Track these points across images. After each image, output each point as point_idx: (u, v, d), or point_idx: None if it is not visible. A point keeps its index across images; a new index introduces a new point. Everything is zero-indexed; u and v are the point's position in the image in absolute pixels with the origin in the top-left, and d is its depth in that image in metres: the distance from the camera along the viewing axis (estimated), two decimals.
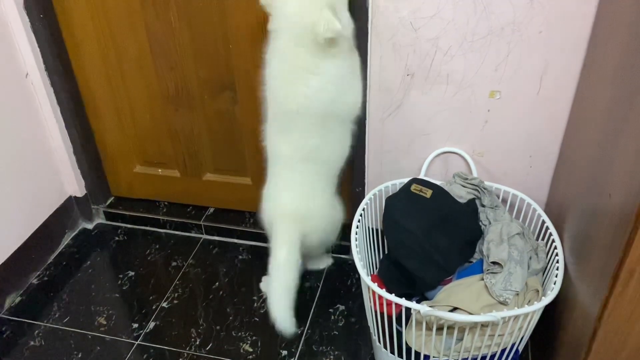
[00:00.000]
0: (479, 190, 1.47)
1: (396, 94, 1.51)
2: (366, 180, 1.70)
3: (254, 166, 1.88)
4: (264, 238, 1.68)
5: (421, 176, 1.56)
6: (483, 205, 1.46)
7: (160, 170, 2.03)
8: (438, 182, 1.54)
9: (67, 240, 2.00)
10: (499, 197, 1.52)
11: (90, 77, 1.83)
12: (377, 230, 1.59)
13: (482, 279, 1.31)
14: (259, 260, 1.89)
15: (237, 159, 1.91)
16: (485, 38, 1.36)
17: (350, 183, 1.71)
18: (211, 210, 2.03)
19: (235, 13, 1.59)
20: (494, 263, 1.29)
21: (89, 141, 1.95)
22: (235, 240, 1.98)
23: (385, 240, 1.58)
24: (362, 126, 1.58)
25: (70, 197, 1.99)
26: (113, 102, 1.88)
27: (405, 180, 1.52)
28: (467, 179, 1.49)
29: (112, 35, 1.74)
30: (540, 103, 1.42)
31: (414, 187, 1.41)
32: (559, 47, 1.33)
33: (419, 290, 1.39)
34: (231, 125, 1.84)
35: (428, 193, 1.40)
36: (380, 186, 1.56)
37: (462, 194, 1.46)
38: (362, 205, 1.49)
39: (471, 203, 1.45)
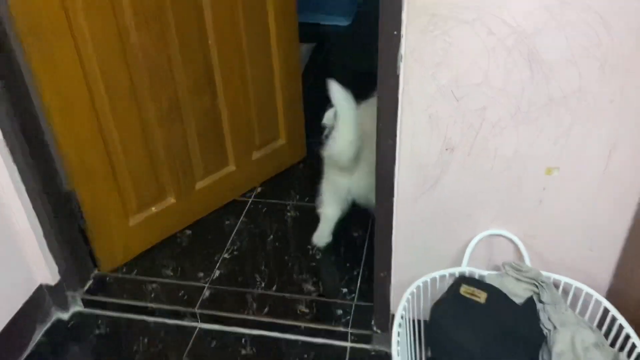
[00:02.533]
0: (537, 284, 1.23)
1: (432, 170, 1.26)
2: (393, 265, 1.45)
3: (235, 152, 1.95)
4: (270, 326, 1.67)
5: (464, 265, 1.31)
6: (541, 301, 1.22)
7: (154, 208, 1.85)
8: (485, 273, 1.30)
9: (38, 336, 1.70)
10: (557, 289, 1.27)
11: (70, 134, 1.56)
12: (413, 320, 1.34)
13: None
14: (266, 354, 1.62)
15: (221, 152, 1.93)
16: (544, 108, 1.13)
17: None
18: (207, 293, 1.75)
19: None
20: None
21: (64, 213, 1.66)
22: (237, 329, 1.70)
23: (430, 352, 1.32)
24: (388, 205, 1.34)
25: (40, 285, 1.69)
26: (102, 149, 1.64)
27: (448, 271, 1.28)
28: (521, 270, 1.24)
29: (102, 73, 1.55)
30: (607, 182, 1.19)
31: (464, 290, 1.17)
32: (633, 119, 1.10)
33: None
34: (216, 121, 1.84)
35: (482, 297, 1.15)
36: (425, 277, 1.30)
37: (517, 291, 1.22)
38: (406, 296, 1.25)
39: (530, 303, 1.20)
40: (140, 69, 1.61)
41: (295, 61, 1.97)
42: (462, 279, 1.21)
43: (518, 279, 1.25)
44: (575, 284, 1.26)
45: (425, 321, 1.30)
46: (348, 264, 1.82)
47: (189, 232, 1.98)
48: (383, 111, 1.21)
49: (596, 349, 1.11)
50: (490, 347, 1.09)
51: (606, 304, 1.21)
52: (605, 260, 1.30)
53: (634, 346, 1.12)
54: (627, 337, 1.14)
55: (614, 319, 1.18)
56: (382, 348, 1.60)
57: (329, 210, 1.82)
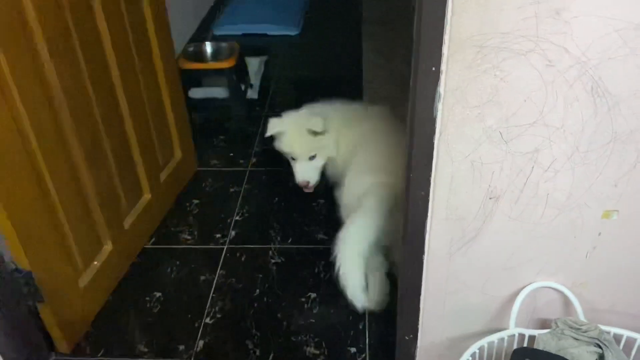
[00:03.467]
0: (600, 344, 1.07)
1: (472, 223, 1.07)
2: (420, 327, 1.25)
3: (148, 177, 1.86)
4: None
5: (512, 327, 1.14)
6: None
7: (96, 262, 1.65)
8: (535, 333, 1.13)
9: None
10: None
11: (9, 196, 1.27)
12: None
13: None
14: None
15: (136, 181, 1.83)
16: (606, 147, 0.97)
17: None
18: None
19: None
20: None
21: (9, 297, 1.35)
22: None
23: None
24: (417, 264, 1.14)
25: None
26: (41, 205, 1.39)
27: (497, 336, 1.10)
28: (580, 329, 1.08)
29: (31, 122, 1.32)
30: None
31: None
32: None
33: None
34: (127, 149, 1.76)
35: None
36: (473, 348, 1.11)
37: (580, 354, 1.05)
38: None
39: None
40: (62, 110, 1.43)
41: (178, 85, 2.06)
42: (525, 353, 1.03)
43: (576, 339, 1.08)
44: (634, 335, 1.11)
45: None
46: (350, 317, 1.61)
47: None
48: (416, 159, 1.01)
49: None
50: None
51: None
52: None
53: None
54: None
55: None
56: None
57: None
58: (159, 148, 1.95)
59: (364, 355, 1.50)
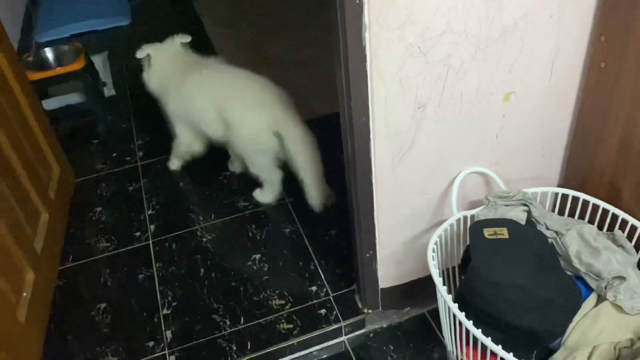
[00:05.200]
0: (526, 203, 1.30)
1: (407, 134, 1.23)
2: (377, 242, 1.40)
3: (40, 197, 1.77)
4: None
5: (455, 212, 1.33)
6: (533, 216, 1.31)
7: (24, 293, 1.54)
8: (474, 212, 1.33)
9: None
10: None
11: None
12: None
13: (597, 300, 1.17)
14: None
15: (32, 204, 1.72)
16: (499, 40, 1.16)
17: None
18: None
19: None
20: (616, 278, 1.15)
21: None
22: None
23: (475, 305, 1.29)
24: (367, 185, 1.28)
25: None
26: None
27: (449, 222, 1.28)
28: (508, 196, 1.31)
29: None
30: (551, 90, 1.30)
31: (487, 233, 1.18)
32: (568, 27, 1.21)
33: (543, 345, 1.18)
34: (15, 177, 1.66)
35: (505, 232, 1.18)
36: (439, 230, 1.27)
37: (519, 216, 1.28)
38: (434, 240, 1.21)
39: (530, 222, 1.28)
40: None
41: (34, 97, 1.94)
42: (480, 224, 1.22)
43: (507, 205, 1.31)
44: (552, 189, 1.37)
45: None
46: (300, 262, 1.71)
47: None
48: (353, 89, 1.13)
49: (599, 235, 1.24)
50: (534, 274, 1.14)
51: (576, 194, 1.34)
52: (555, 160, 1.44)
53: (614, 217, 1.27)
54: (605, 211, 1.29)
55: (585, 204, 1.33)
56: (378, 325, 1.57)
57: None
58: (39, 166, 1.83)
59: (325, 289, 1.62)
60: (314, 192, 1.76)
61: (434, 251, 1.25)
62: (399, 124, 1.20)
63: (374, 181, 1.28)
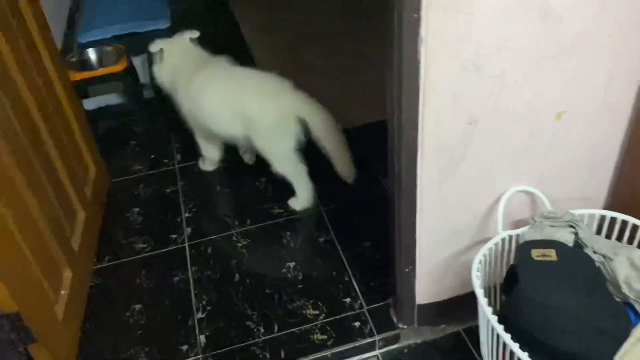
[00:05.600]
0: (574, 225, 1.28)
1: (456, 149, 1.21)
2: (417, 257, 1.38)
3: (77, 195, 1.79)
4: None
5: (499, 229, 1.31)
6: (580, 239, 1.28)
7: (62, 291, 1.55)
8: (519, 232, 1.31)
9: None
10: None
11: None
12: None
13: None
14: None
15: (68, 203, 1.73)
16: (554, 58, 1.15)
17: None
18: None
19: None
20: None
21: None
22: None
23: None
24: (411, 200, 1.27)
25: None
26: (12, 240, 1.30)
27: (494, 241, 1.26)
28: (555, 217, 1.28)
29: None
30: (604, 110, 1.27)
31: (535, 254, 1.16)
32: (626, 47, 1.18)
33: None
34: (56, 174, 1.67)
35: (552, 254, 1.16)
36: (479, 255, 1.25)
37: (565, 237, 1.25)
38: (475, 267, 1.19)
39: (578, 244, 1.25)
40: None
41: (75, 97, 1.95)
42: (528, 244, 1.20)
43: (554, 226, 1.28)
44: (592, 211, 1.34)
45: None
46: (334, 273, 1.70)
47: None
48: (405, 102, 1.12)
49: None
50: (582, 298, 1.11)
51: (625, 217, 1.31)
52: (603, 181, 1.41)
53: None
54: None
55: (634, 228, 1.29)
56: (413, 340, 1.55)
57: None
58: (77, 165, 1.86)
59: (359, 301, 1.61)
60: (345, 167, 1.86)
61: (477, 270, 1.23)
62: (448, 138, 1.19)
63: (418, 196, 1.27)
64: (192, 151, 2.25)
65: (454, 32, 1.05)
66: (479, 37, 1.07)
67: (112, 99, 2.54)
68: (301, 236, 1.84)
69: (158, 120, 2.48)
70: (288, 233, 1.85)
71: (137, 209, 2.01)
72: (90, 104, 2.49)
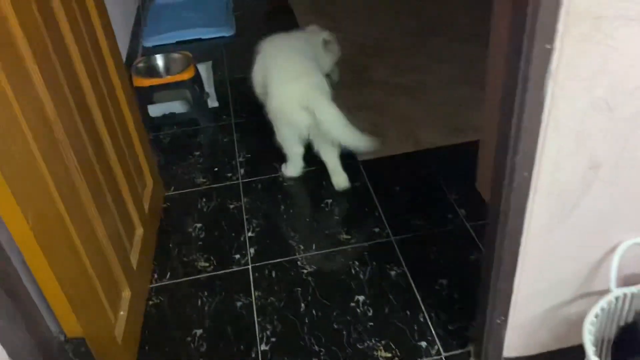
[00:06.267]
0: None
1: (572, 194, 1.08)
2: (512, 306, 1.25)
3: (137, 211, 1.71)
4: None
5: (612, 285, 1.16)
6: None
7: (122, 312, 1.50)
8: (634, 289, 1.16)
9: None
10: None
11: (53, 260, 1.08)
12: None
13: None
14: None
15: (128, 217, 1.57)
16: None
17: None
18: None
19: None
20: None
21: None
22: None
23: None
24: (514, 246, 1.13)
25: None
26: (76, 263, 1.20)
27: (613, 295, 1.12)
28: None
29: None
30: None
31: None
32: None
33: None
34: (117, 187, 1.54)
35: None
36: (591, 314, 1.11)
37: None
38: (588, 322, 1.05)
39: None
40: (68, 153, 1.27)
41: (136, 107, 1.91)
42: None
43: None
44: None
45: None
46: (408, 312, 1.58)
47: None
48: (523, 140, 0.99)
49: None
50: None
51: None
52: None
53: None
54: None
55: None
56: None
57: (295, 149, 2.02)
58: (137, 177, 1.80)
59: (436, 346, 1.48)
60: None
61: (591, 325, 1.09)
62: (565, 182, 1.06)
63: (523, 242, 1.14)
64: (256, 166, 2.18)
65: (589, 66, 0.92)
66: (617, 73, 0.94)
67: (177, 106, 2.49)
68: (370, 267, 1.73)
69: (222, 131, 2.42)
70: (356, 263, 1.74)
71: (199, 224, 1.94)
72: (155, 110, 2.45)
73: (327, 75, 2.42)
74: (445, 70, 2.67)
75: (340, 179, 2.02)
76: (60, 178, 1.19)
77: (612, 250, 1.18)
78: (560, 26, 0.87)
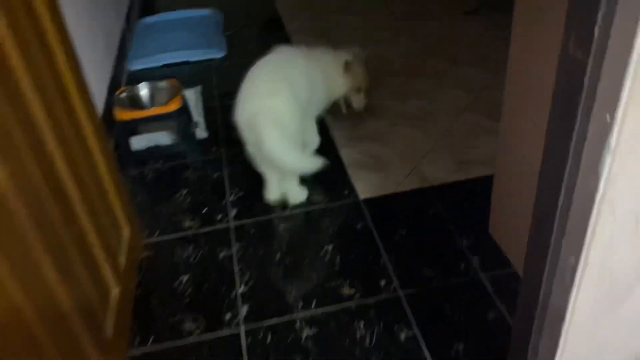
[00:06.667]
0: None
1: (624, 282, 0.91)
2: None
3: (111, 269, 1.45)
4: None
5: None
6: None
7: None
8: None
9: None
10: None
11: None
12: None
13: None
14: None
15: (100, 279, 1.37)
16: None
17: None
18: None
19: None
20: None
21: None
22: None
23: None
24: (553, 340, 0.96)
25: None
26: None
27: None
28: None
29: None
30: None
31: None
32: None
33: None
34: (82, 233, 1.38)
35: None
36: None
37: None
38: None
39: None
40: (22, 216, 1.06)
41: (109, 146, 1.71)
42: None
43: None
44: None
45: None
46: None
47: None
48: (571, 224, 0.82)
49: None
50: None
51: None
52: None
53: None
54: None
55: None
56: None
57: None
58: (110, 229, 1.60)
59: None
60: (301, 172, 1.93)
61: None
62: (618, 270, 0.89)
63: (563, 333, 0.96)
64: (249, 206, 2.00)
65: None
66: None
67: (162, 138, 2.31)
68: (377, 329, 1.55)
69: (212, 165, 2.24)
70: (362, 323, 1.56)
71: (185, 277, 1.75)
72: (138, 142, 2.27)
73: (348, 105, 2.30)
74: (450, 96, 2.50)
75: (295, 197, 1.98)
76: (11, 245, 1.00)
77: None
78: (625, 93, 0.70)
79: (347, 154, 2.20)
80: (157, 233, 1.93)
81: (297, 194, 1.98)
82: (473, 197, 1.95)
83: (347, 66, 2.09)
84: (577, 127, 0.74)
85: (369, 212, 1.93)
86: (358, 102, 2.26)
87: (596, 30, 0.66)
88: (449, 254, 1.75)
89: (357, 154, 2.21)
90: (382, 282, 1.67)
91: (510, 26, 1.40)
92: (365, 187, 2.03)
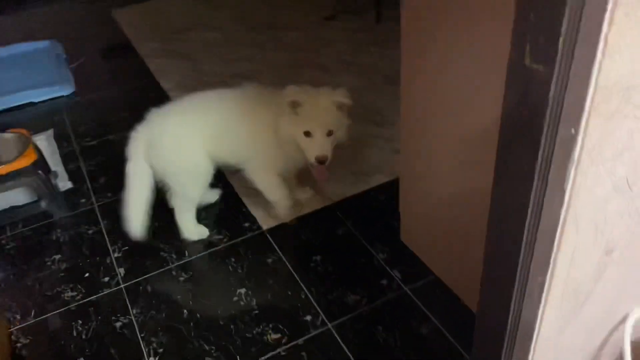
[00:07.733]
0: None
1: (585, 287, 0.88)
2: None
3: None
4: None
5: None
6: None
7: None
8: None
9: None
10: None
11: None
12: None
13: None
14: None
15: None
16: None
17: None
18: None
19: None
20: None
21: None
22: None
23: None
24: (518, 352, 0.91)
25: None
26: None
27: None
28: None
29: None
30: None
31: None
32: None
33: None
34: None
35: None
36: None
37: None
38: None
39: None
40: None
41: None
42: None
43: None
44: None
45: None
46: None
47: None
48: (538, 243, 0.77)
49: None
50: None
51: None
52: None
53: None
54: None
55: None
56: None
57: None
58: None
59: None
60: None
61: None
62: (579, 277, 0.86)
63: (531, 349, 0.92)
64: (138, 258, 1.76)
65: (614, 145, 0.72)
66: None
67: (18, 197, 1.97)
68: None
69: (85, 220, 1.95)
70: None
71: None
72: None
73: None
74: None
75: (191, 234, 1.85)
76: None
77: (614, 328, 1.01)
78: (587, 104, 0.66)
79: (238, 185, 2.04)
80: (32, 314, 1.62)
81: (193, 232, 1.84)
82: (378, 206, 1.91)
83: (340, 108, 1.72)
84: (543, 143, 0.68)
85: (276, 242, 1.80)
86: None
87: (560, 42, 0.60)
88: (369, 272, 1.68)
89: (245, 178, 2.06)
90: (308, 318, 1.55)
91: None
92: (265, 216, 1.89)
